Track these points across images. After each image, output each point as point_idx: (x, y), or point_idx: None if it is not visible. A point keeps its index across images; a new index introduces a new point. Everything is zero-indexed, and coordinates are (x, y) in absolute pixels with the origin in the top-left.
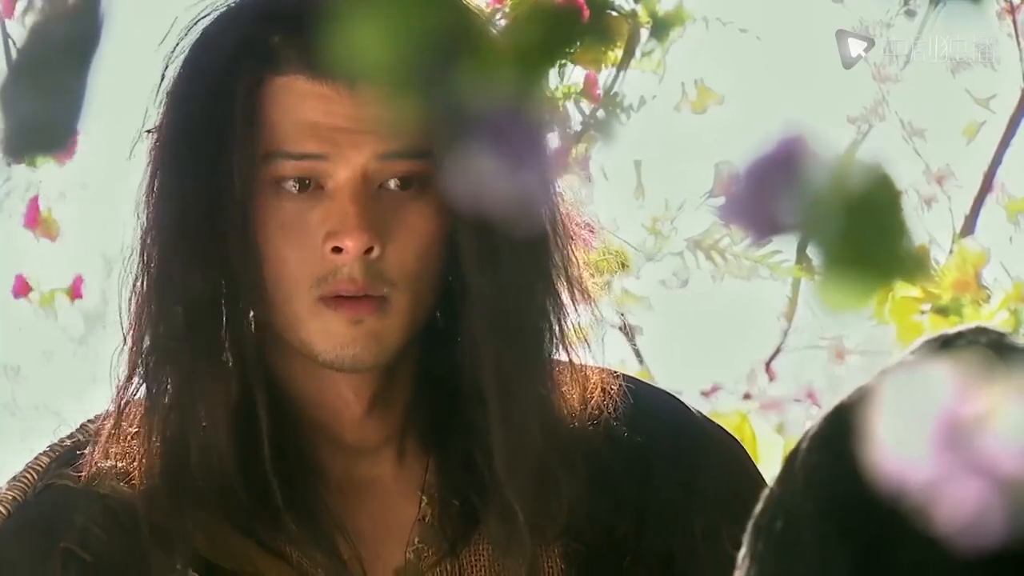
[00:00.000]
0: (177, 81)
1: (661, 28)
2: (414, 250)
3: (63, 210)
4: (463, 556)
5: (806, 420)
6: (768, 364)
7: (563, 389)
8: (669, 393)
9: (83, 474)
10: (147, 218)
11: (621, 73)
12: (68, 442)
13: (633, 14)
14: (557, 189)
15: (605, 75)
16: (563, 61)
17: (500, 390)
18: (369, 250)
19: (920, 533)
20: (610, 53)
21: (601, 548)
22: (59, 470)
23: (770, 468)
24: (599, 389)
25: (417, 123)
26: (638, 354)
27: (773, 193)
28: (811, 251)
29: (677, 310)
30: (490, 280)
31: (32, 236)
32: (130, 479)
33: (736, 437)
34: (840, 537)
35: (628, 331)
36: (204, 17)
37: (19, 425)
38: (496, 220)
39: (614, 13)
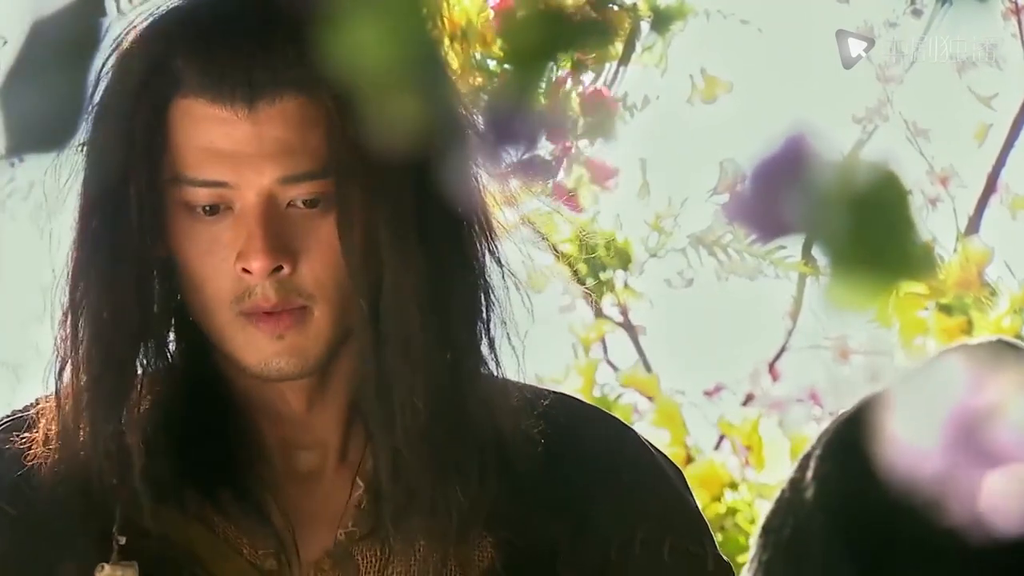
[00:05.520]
0: (98, 100)
1: (662, 21)
2: (327, 263)
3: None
4: (393, 542)
5: (808, 420)
6: (772, 364)
7: (478, 395)
8: (607, 412)
9: (23, 439)
10: (75, 227)
11: (622, 68)
12: (20, 412)
13: (634, 8)
14: (483, 198)
15: (606, 70)
16: (563, 59)
17: (382, 418)
18: (279, 268)
19: (928, 549)
20: (611, 48)
21: (533, 545)
22: (2, 435)
23: (774, 468)
24: (525, 400)
25: (325, 141)
26: (642, 354)
27: (779, 193)
28: (817, 251)
29: (681, 309)
30: (370, 302)
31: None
32: (67, 449)
33: (673, 462)
34: (848, 548)
35: (631, 330)
36: (129, 31)
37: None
38: (387, 239)
39: (615, 7)
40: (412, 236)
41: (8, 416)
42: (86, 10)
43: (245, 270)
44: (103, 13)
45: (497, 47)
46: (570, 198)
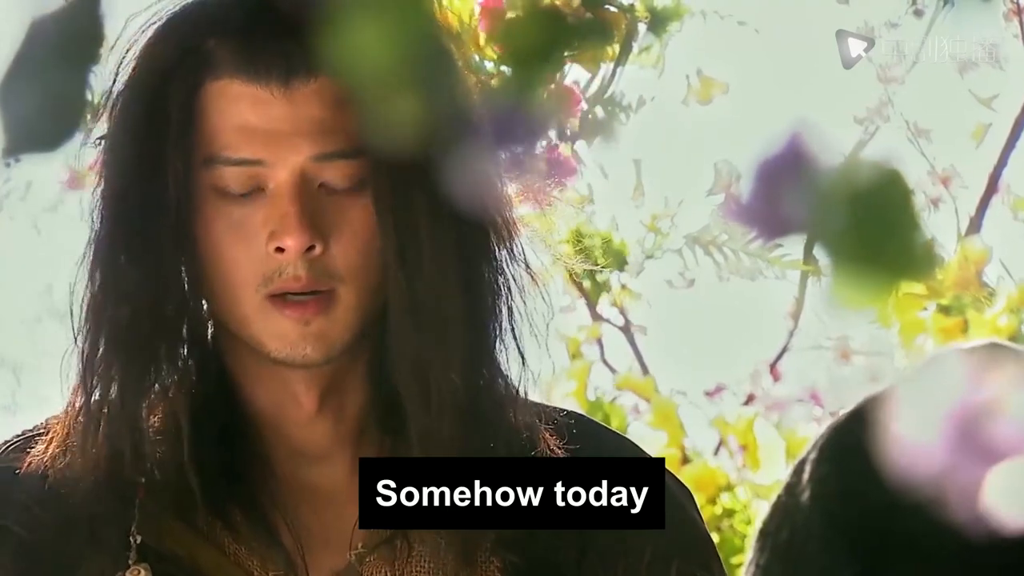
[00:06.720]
0: (121, 90)
1: (659, 22)
2: (358, 245)
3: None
4: (404, 565)
5: (809, 421)
6: (773, 365)
7: (497, 401)
8: (619, 433)
9: (31, 459)
10: (97, 222)
11: (619, 69)
12: (30, 432)
13: (631, 8)
14: (503, 192)
15: (603, 71)
16: (561, 61)
17: (417, 394)
18: (311, 248)
19: (926, 549)
20: (608, 49)
21: (539, 567)
22: (10, 455)
23: (770, 469)
24: (540, 415)
25: (360, 122)
26: (638, 355)
27: (782, 193)
28: (821, 251)
29: (682, 310)
30: (409, 277)
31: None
32: (75, 467)
33: (683, 483)
34: (846, 550)
35: (628, 331)
36: (151, 25)
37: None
38: (423, 218)
39: (612, 8)
40: (448, 216)
41: (17, 435)
42: (86, 10)
43: (279, 249)
44: (103, 13)
45: (489, 49)
46: (566, 160)
